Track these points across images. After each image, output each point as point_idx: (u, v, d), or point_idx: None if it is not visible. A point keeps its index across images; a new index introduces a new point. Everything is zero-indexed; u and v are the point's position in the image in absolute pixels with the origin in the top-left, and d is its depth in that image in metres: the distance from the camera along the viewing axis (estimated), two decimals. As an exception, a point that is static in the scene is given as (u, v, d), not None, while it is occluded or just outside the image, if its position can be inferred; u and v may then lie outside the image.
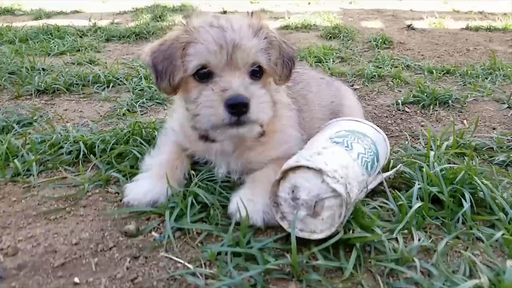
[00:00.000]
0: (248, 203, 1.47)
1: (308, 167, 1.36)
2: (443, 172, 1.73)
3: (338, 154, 1.46)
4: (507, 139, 2.36)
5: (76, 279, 1.27)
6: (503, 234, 1.46)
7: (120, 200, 1.68)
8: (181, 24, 1.57)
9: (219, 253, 1.36)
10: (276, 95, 1.69)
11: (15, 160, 1.90)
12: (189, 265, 1.33)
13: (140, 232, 1.50)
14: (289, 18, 6.34)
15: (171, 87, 1.55)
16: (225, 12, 7.32)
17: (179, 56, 1.50)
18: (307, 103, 2.02)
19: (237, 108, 1.39)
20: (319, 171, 1.34)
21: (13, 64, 3.61)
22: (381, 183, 1.66)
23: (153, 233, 1.50)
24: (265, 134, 1.65)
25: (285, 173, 1.40)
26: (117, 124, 2.51)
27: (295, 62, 1.66)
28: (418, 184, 1.64)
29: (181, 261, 1.35)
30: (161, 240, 1.45)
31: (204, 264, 1.34)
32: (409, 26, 5.93)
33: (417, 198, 1.59)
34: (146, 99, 2.95)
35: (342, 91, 2.34)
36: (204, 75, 1.49)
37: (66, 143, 2.08)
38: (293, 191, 1.37)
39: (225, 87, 1.41)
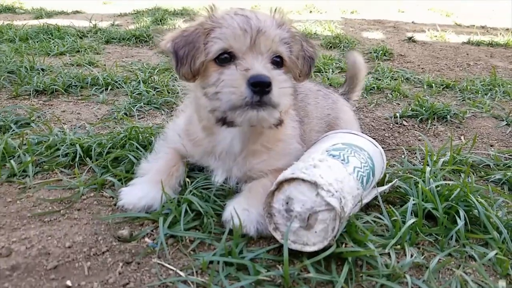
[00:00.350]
0: (242, 212, 1.48)
1: (303, 180, 1.36)
2: (439, 188, 1.74)
3: (334, 168, 1.47)
4: (505, 157, 2.37)
5: (69, 282, 1.28)
6: (496, 254, 1.46)
7: (115, 205, 1.69)
8: (204, 14, 1.58)
9: (211, 262, 1.36)
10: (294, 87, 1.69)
11: (12, 161, 1.91)
12: (181, 273, 1.33)
13: (133, 238, 1.50)
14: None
15: (191, 72, 1.53)
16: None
17: (202, 40, 1.51)
18: (307, 115, 2.03)
19: (260, 87, 1.37)
20: (314, 184, 1.34)
21: (13, 63, 3.61)
22: (376, 197, 1.67)
23: (146, 239, 1.50)
24: (267, 140, 1.65)
25: (280, 185, 1.41)
26: (114, 128, 2.51)
27: (315, 62, 1.67)
28: (413, 200, 1.65)
29: (173, 268, 1.36)
30: (154, 246, 1.45)
31: (196, 272, 1.34)
32: (410, 38, 5.96)
33: (411, 214, 1.60)
34: (143, 103, 2.95)
35: (339, 105, 2.35)
36: (225, 59, 1.49)
37: (62, 145, 2.08)
38: (287, 203, 1.37)
39: (248, 67, 1.41)
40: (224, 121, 1.48)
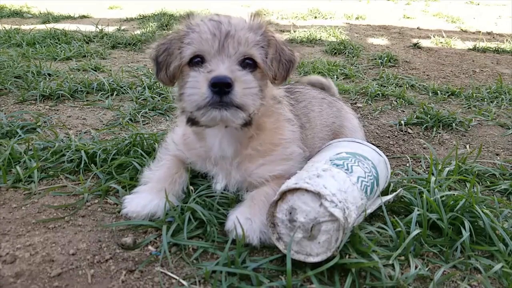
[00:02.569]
0: (245, 221, 1.48)
1: (306, 190, 1.36)
2: (444, 198, 1.73)
3: (338, 178, 1.46)
4: (511, 167, 2.35)
5: (72, 290, 1.28)
6: (502, 266, 1.45)
7: (119, 212, 1.69)
8: (183, 20, 1.65)
9: (214, 271, 1.36)
10: (271, 91, 1.71)
11: (17, 167, 1.93)
12: (184, 282, 1.33)
13: (136, 245, 1.50)
14: (294, 31, 6.38)
15: (168, 77, 1.61)
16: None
17: (177, 47, 1.58)
18: (309, 121, 2.03)
19: (219, 87, 1.40)
20: (318, 195, 1.34)
21: (20, 68, 3.65)
22: (380, 207, 1.66)
23: (149, 247, 1.50)
24: (260, 145, 1.66)
25: (283, 194, 1.41)
26: (119, 134, 2.53)
27: (294, 66, 1.68)
28: (418, 210, 1.63)
29: (176, 277, 1.36)
30: (157, 254, 1.45)
31: (199, 282, 1.34)
32: (415, 44, 5.95)
33: (416, 225, 1.58)
34: (148, 109, 2.97)
35: (344, 113, 2.34)
36: (197, 63, 1.54)
37: (68, 151, 2.10)
38: (290, 213, 1.37)
39: (212, 69, 1.45)
40: (192, 121, 1.55)
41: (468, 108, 3.44)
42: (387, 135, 2.79)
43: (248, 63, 1.54)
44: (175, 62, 1.57)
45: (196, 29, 1.54)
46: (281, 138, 1.76)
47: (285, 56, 1.64)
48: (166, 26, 6.55)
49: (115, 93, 3.32)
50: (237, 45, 1.50)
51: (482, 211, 1.63)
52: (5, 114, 2.68)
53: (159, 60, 1.62)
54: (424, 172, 2.22)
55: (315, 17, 8.48)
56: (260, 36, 1.57)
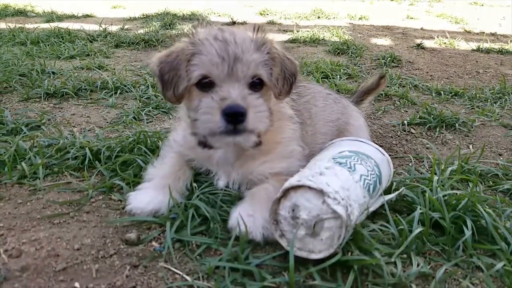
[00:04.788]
0: (247, 218, 1.50)
1: (309, 187, 1.37)
2: (446, 197, 1.73)
3: (341, 176, 1.47)
4: (513, 167, 2.34)
5: (77, 284, 1.30)
6: (504, 265, 1.45)
7: (123, 208, 1.71)
8: (187, 36, 1.64)
9: (217, 267, 1.37)
10: (275, 106, 1.73)
11: (22, 163, 1.94)
12: (187, 277, 1.35)
13: (140, 241, 1.52)
14: (297, 31, 6.38)
15: (175, 97, 1.62)
16: (234, 22, 7.36)
17: (184, 67, 1.57)
18: (310, 117, 2.04)
19: (234, 117, 1.43)
20: (320, 192, 1.35)
21: (24, 66, 3.68)
22: (382, 206, 1.67)
23: (153, 243, 1.52)
24: (262, 144, 1.67)
25: (286, 192, 1.42)
26: (122, 132, 2.55)
27: (296, 78, 1.70)
28: (420, 209, 1.64)
29: (179, 272, 1.37)
30: (161, 250, 1.46)
31: (202, 277, 1.35)
32: (419, 45, 5.94)
33: (418, 223, 1.59)
34: (152, 108, 2.99)
35: (350, 110, 2.34)
36: (206, 84, 1.54)
37: (72, 148, 2.11)
38: (293, 210, 1.38)
39: (224, 96, 1.47)
40: (204, 145, 1.59)
41: (471, 108, 3.44)
42: (390, 135, 2.80)
43: (256, 82, 1.57)
44: (183, 84, 1.57)
45: (203, 51, 1.53)
46: (282, 137, 1.78)
47: (289, 71, 1.66)
48: (169, 25, 6.56)
49: (118, 91, 3.34)
50: (246, 69, 1.51)
51: (485, 210, 1.63)
52: (10, 111, 2.70)
53: (164, 78, 1.62)
54: (427, 171, 2.22)
55: (318, 17, 8.47)
56: (265, 54, 1.59)
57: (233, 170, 1.75)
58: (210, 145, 1.58)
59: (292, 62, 1.70)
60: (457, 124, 2.94)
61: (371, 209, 1.58)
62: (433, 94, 3.76)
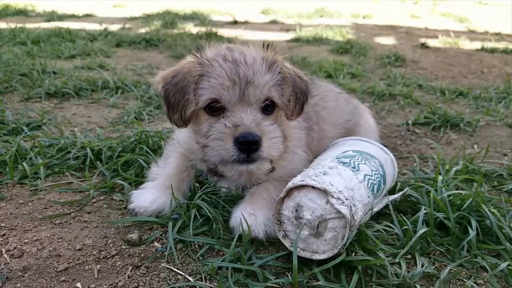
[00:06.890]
0: (249, 216, 1.48)
1: (313, 187, 1.35)
2: (451, 198, 1.71)
3: (344, 175, 1.46)
4: (518, 167, 2.32)
5: (79, 285, 1.29)
6: (508, 265, 1.44)
7: (125, 208, 1.70)
8: (194, 56, 1.55)
9: (220, 268, 1.36)
10: (287, 129, 1.66)
11: (24, 163, 1.94)
12: (190, 278, 1.34)
13: (142, 242, 1.51)
14: (300, 30, 6.36)
15: (183, 120, 1.53)
16: (235, 22, 7.34)
17: (192, 89, 1.49)
18: (318, 122, 1.97)
19: (248, 145, 1.38)
20: (324, 191, 1.33)
21: (25, 66, 3.68)
22: (386, 206, 1.65)
23: (155, 243, 1.51)
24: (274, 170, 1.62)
25: (289, 191, 1.40)
26: (124, 132, 2.54)
27: (308, 97, 1.65)
28: (424, 209, 1.62)
29: (181, 273, 1.36)
30: (163, 251, 1.45)
31: (205, 278, 1.34)
32: (423, 44, 5.91)
33: (422, 223, 1.57)
34: (153, 107, 2.99)
35: (360, 110, 2.29)
36: (215, 108, 1.48)
37: (73, 148, 2.11)
38: (296, 210, 1.37)
39: (236, 123, 1.40)
40: (215, 173, 1.54)
41: (476, 108, 3.41)
42: (394, 135, 2.78)
43: (267, 105, 1.50)
44: (191, 107, 1.49)
45: (212, 73, 1.46)
46: (287, 145, 1.72)
47: (300, 90, 1.60)
48: (170, 24, 6.57)
49: (119, 91, 3.34)
50: (258, 93, 1.45)
51: (489, 211, 1.62)
52: (11, 111, 2.70)
53: (170, 101, 1.52)
54: (432, 171, 2.20)
55: (321, 16, 8.46)
56: (277, 74, 1.52)
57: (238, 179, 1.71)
58: (221, 174, 1.51)
59: (303, 80, 1.64)
60: (461, 124, 2.92)
61: (375, 209, 1.57)
62: (438, 94, 3.74)
